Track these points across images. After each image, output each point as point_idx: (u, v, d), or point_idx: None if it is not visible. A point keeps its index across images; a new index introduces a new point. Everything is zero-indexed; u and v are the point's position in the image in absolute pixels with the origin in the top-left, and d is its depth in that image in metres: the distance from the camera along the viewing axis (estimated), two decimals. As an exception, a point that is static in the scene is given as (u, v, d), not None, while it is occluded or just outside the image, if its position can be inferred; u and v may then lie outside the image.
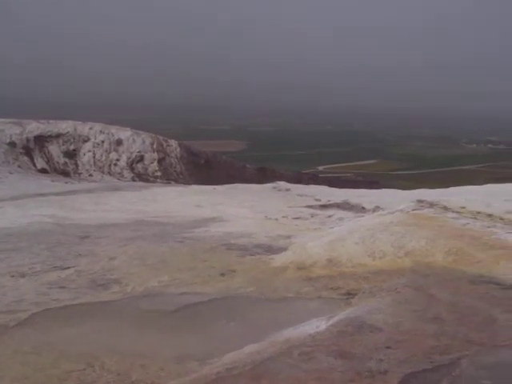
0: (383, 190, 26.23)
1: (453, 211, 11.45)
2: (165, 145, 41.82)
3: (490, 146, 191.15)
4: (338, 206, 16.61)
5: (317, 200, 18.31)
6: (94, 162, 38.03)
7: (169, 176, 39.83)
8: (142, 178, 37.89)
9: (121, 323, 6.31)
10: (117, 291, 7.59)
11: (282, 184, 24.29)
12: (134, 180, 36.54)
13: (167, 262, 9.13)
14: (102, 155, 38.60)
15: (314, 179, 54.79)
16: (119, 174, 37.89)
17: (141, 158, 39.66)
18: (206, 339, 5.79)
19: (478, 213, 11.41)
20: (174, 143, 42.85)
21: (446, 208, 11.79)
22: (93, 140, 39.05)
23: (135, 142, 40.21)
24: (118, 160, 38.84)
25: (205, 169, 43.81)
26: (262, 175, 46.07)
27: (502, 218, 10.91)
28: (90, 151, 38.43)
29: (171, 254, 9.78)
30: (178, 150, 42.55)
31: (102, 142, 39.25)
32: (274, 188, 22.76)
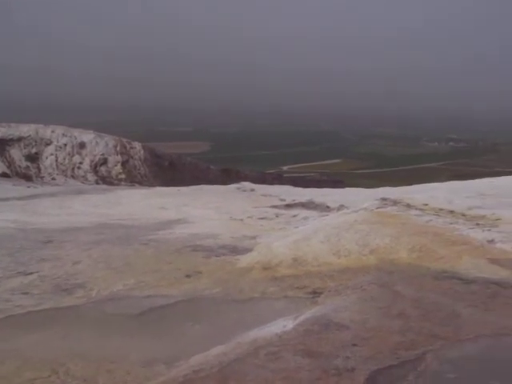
0: (347, 188, 26.43)
1: (416, 208, 11.58)
2: (128, 147, 41.46)
3: (451, 144, 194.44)
4: (302, 205, 16.64)
5: (281, 200, 18.31)
6: (57, 166, 37.47)
7: (133, 178, 39.50)
8: (106, 180, 37.51)
9: (86, 328, 6.22)
10: (81, 296, 7.47)
11: (247, 184, 24.25)
12: (97, 183, 36.14)
13: (132, 265, 9.03)
14: (64, 158, 38.06)
15: (279, 179, 54.97)
16: (83, 177, 37.43)
17: (104, 161, 39.24)
18: (172, 342, 5.74)
19: (441, 210, 11.56)
20: (137, 145, 42.51)
21: (409, 205, 11.92)
22: (55, 143, 38.49)
23: (98, 144, 39.76)
24: (81, 163, 38.35)
25: (169, 171, 43.56)
26: (227, 176, 46.03)
27: (463, 215, 11.07)
28: (52, 154, 37.87)
29: (136, 256, 9.68)
30: (142, 152, 42.22)
31: (65, 145, 38.71)
32: (239, 189, 22.71)
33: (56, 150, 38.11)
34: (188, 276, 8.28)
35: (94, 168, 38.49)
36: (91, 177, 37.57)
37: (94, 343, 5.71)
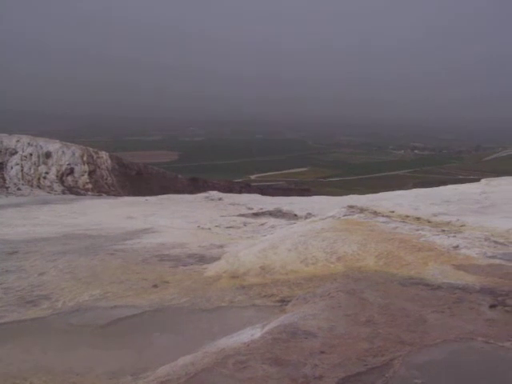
0: (315, 197, 26.52)
1: (382, 215, 11.67)
2: (95, 157, 41.07)
3: (416, 151, 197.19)
4: (270, 213, 16.67)
5: (249, 208, 18.32)
6: (23, 176, 36.93)
7: (100, 188, 39.12)
8: (73, 190, 37.06)
9: (50, 340, 6.11)
10: (46, 307, 7.35)
11: (215, 194, 24.22)
12: (64, 193, 35.67)
13: (99, 276, 8.92)
14: (30, 168, 37.55)
15: (247, 188, 54.92)
16: (49, 187, 36.93)
17: (71, 171, 38.79)
18: (139, 353, 5.67)
19: (407, 216, 11.67)
20: (104, 155, 42.15)
21: (375, 213, 12.00)
22: (20, 153, 37.97)
23: (65, 154, 39.31)
24: (47, 173, 37.86)
25: (137, 180, 43.26)
26: (195, 185, 45.92)
27: (429, 221, 11.19)
28: (17, 164, 37.32)
29: (103, 267, 9.56)
30: (109, 161, 41.88)
31: (31, 154, 38.20)
32: (207, 198, 22.66)
33: (21, 160, 37.60)
34: (155, 286, 8.21)
35: (61, 178, 38.02)
36: (57, 187, 37.10)
37: (59, 356, 5.62)
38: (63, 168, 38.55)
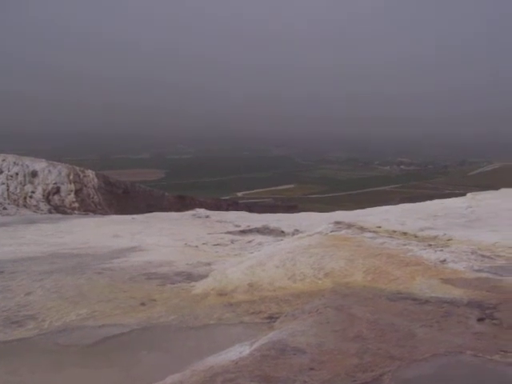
0: (301, 213, 26.55)
1: (369, 231, 11.69)
2: (82, 175, 40.93)
3: (402, 167, 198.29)
4: (257, 230, 16.67)
5: (236, 226, 18.30)
6: (8, 195, 36.71)
7: (87, 207, 38.95)
8: (59, 209, 36.87)
9: (37, 361, 6.05)
10: (32, 327, 7.27)
11: (202, 211, 24.18)
12: (50, 212, 35.46)
13: (86, 295, 8.84)
14: (16, 187, 37.35)
15: (234, 205, 54.92)
16: (35, 206, 36.72)
17: (57, 190, 38.61)
18: (126, 371, 5.63)
19: (394, 231, 11.71)
20: (91, 173, 42.02)
21: (362, 228, 12.03)
22: (6, 172, 37.78)
23: (51, 173, 39.15)
24: (33, 192, 37.66)
25: (123, 199, 43.13)
26: (182, 203, 45.81)
27: (416, 236, 11.24)
28: (3, 184, 37.11)
29: (90, 286, 9.49)
30: (96, 180, 41.75)
31: (16, 174, 38.02)
32: (194, 215, 22.63)
33: (7, 179, 37.41)
34: (143, 304, 8.16)
35: (47, 197, 37.83)
36: (44, 206, 36.89)
37: (47, 376, 5.57)
38: (49, 187, 38.38)
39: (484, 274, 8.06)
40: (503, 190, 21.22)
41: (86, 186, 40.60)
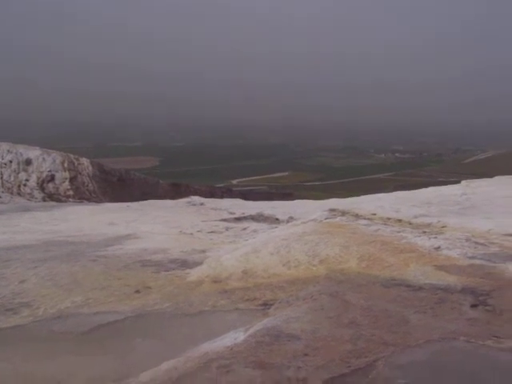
0: (296, 201, 26.52)
1: (364, 218, 11.72)
2: (76, 163, 40.79)
3: (397, 155, 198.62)
4: (252, 218, 16.65)
5: (231, 213, 18.29)
6: (2, 183, 36.58)
7: (81, 195, 38.86)
8: (54, 197, 36.76)
9: (32, 348, 6.05)
10: (27, 315, 7.26)
11: (196, 199, 24.14)
12: (45, 200, 35.35)
13: (80, 282, 8.83)
14: (10, 176, 37.20)
15: (228, 193, 54.92)
16: (29, 194, 36.61)
17: (51, 178, 38.48)
18: (121, 358, 5.63)
19: (388, 219, 11.73)
20: (85, 161, 41.88)
21: (357, 215, 12.05)
22: (0, 160, 37.64)
23: (45, 161, 39.00)
24: (27, 180, 37.54)
25: (118, 186, 43.05)
26: (176, 191, 45.76)
27: (410, 223, 11.26)
28: (-3, 172, 37.02)
29: (84, 273, 9.47)
30: (90, 168, 41.62)
31: (10, 161, 37.86)
32: (188, 203, 22.59)
33: (1, 167, 37.26)
34: (137, 291, 8.16)
35: (41, 185, 37.72)
36: (38, 194, 36.79)
37: (41, 363, 5.56)
38: (44, 175, 38.25)
39: (478, 261, 8.09)
40: (497, 178, 21.28)
41: (80, 173, 40.49)
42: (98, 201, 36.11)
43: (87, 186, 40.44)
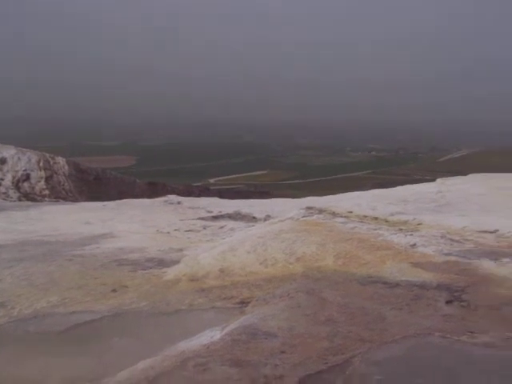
0: (274, 199, 26.57)
1: (341, 216, 11.76)
2: (52, 162, 40.36)
3: (373, 153, 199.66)
4: (229, 216, 16.64)
5: (208, 212, 18.25)
6: (-24, 183, 36.14)
7: (57, 194, 38.46)
8: (29, 197, 36.34)
9: (6, 348, 5.98)
10: (2, 315, 7.18)
11: (173, 197, 24.04)
12: (20, 200, 34.92)
13: (56, 282, 8.77)
14: (-16, 175, 36.75)
15: (206, 192, 54.78)
16: (4, 193, 36.15)
17: (27, 177, 38.03)
18: (97, 358, 5.59)
19: (365, 216, 11.80)
20: (61, 160, 41.45)
21: (334, 213, 12.09)
22: (-26, 159, 37.17)
23: (20, 160, 38.54)
24: (2, 179, 37.06)
25: (94, 186, 42.70)
26: (153, 190, 45.51)
27: (386, 221, 11.33)
28: (-29, 171, 36.53)
29: (60, 273, 9.40)
30: (66, 167, 41.21)
31: (-16, 161, 37.41)
32: (165, 202, 22.49)
33: (-25, 167, 36.80)
34: (114, 290, 8.11)
35: (17, 184, 37.25)
36: (13, 193, 36.34)
37: (15, 364, 5.50)
38: (19, 174, 37.80)
39: (453, 258, 8.17)
40: (472, 176, 21.48)
41: (56, 172, 40.08)
42: (75, 200, 35.80)
43: (63, 185, 40.06)
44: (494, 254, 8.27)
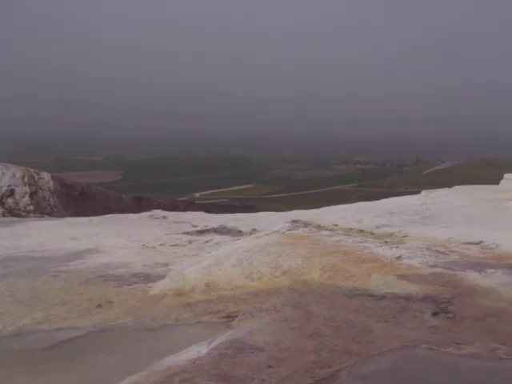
0: (259, 213, 26.56)
1: (326, 229, 11.77)
2: (36, 177, 40.13)
3: (358, 166, 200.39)
4: (215, 230, 16.60)
5: (194, 226, 18.20)
6: (-40, 199, 35.84)
7: (42, 210, 38.21)
8: (14, 212, 36.07)
9: (-11, 366, 5.92)
10: (-15, 333, 7.12)
11: (159, 212, 23.97)
12: (4, 215, 34.65)
13: (41, 298, 8.69)
14: (-32, 191, 36.47)
15: (191, 206, 54.69)
16: (-12, 209, 35.89)
17: (11, 193, 37.77)
18: (83, 375, 5.55)
19: (350, 229, 11.81)
20: (46, 176, 41.22)
21: (319, 226, 12.10)
22: (-43, 176, 36.89)
23: (5, 175, 38.29)
24: (-15, 196, 36.82)
25: (80, 201, 42.48)
26: (139, 205, 45.38)
27: (372, 233, 11.35)
28: (-46, 188, 36.23)
29: (45, 289, 9.32)
30: (51, 182, 40.98)
31: (-32, 177, 37.14)
32: (151, 216, 22.41)
33: (-42, 183, 36.52)
34: (99, 306, 8.06)
35: (1, 200, 36.97)
36: (-3, 209, 36.08)
37: (-1, 381, 5.45)
38: (3, 190, 37.52)
39: (438, 270, 8.19)
40: (456, 188, 21.63)
41: (41, 188, 39.85)
42: (60, 215, 35.58)
43: (48, 200, 39.83)
44: (479, 266, 8.31)
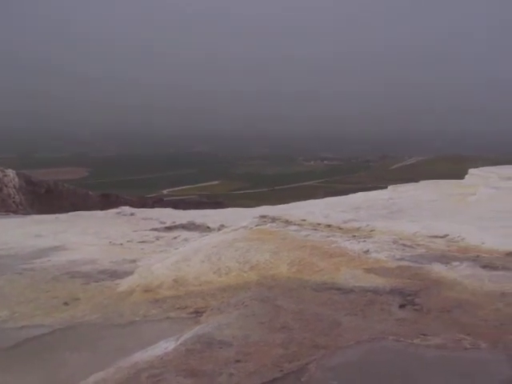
0: (227, 209, 26.54)
1: (294, 224, 11.79)
2: (1, 175, 39.55)
3: (325, 162, 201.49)
4: (183, 227, 16.53)
5: (162, 223, 18.09)
6: None
7: (7, 207, 37.63)
8: (-22, 210, 35.51)
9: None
10: None
11: (126, 209, 23.74)
12: (-33, 214, 34.10)
13: (5, 296, 8.56)
14: None
15: (159, 203, 54.39)
16: (-50, 208, 35.27)
17: (-25, 190, 37.23)
18: (49, 373, 5.47)
19: (318, 224, 11.84)
20: (11, 173, 40.66)
21: (287, 222, 12.12)
22: None
23: (-31, 173, 37.73)
24: (-51, 194, 36.21)
25: (46, 198, 42.02)
26: (106, 202, 44.99)
27: (340, 228, 11.40)
28: None
29: (10, 287, 9.18)
30: (17, 179, 40.44)
31: None
32: (119, 213, 22.20)
33: None
34: (66, 303, 7.97)
35: (-36, 198, 36.45)
36: (-40, 208, 35.47)
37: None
38: (-34, 187, 36.98)
39: (405, 263, 8.27)
40: (423, 183, 21.87)
41: (6, 185, 39.28)
42: (26, 213, 35.08)
43: (13, 198, 39.28)
44: (445, 258, 8.41)
